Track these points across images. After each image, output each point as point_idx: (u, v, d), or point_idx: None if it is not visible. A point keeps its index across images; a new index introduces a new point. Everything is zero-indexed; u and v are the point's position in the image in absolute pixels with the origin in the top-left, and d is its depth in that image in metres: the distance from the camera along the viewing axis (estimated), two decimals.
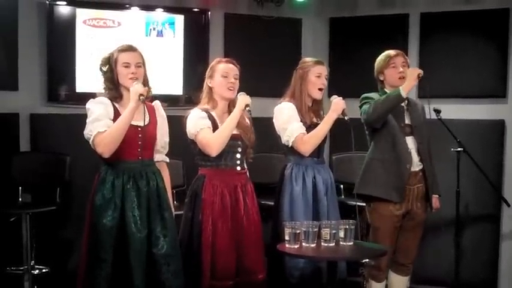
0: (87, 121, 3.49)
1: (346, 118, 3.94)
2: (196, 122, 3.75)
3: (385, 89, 4.15)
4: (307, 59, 4.17)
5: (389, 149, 4.06)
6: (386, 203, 4.05)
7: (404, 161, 4.05)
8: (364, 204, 4.26)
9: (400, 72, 4.11)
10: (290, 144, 4.01)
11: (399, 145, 4.07)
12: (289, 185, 4.04)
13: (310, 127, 4.02)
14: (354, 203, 4.39)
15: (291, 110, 4.02)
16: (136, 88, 3.44)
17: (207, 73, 3.89)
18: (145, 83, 3.62)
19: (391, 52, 4.17)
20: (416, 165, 4.09)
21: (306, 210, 3.98)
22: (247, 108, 3.72)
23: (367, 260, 4.11)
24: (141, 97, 3.42)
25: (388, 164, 4.05)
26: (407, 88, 3.96)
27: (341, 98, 4.00)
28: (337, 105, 3.96)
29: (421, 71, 3.99)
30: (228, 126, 3.71)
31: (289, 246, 3.52)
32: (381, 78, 4.17)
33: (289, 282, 3.97)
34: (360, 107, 4.11)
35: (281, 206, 4.05)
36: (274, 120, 4.09)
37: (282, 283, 4.00)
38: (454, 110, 4.37)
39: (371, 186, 4.09)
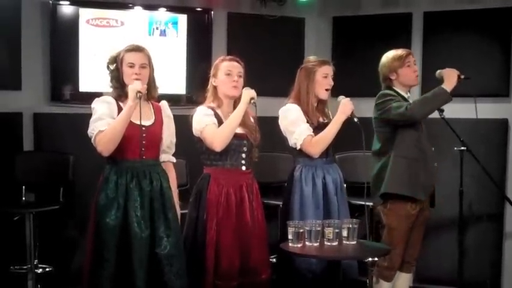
0: (90, 120, 3.52)
1: (355, 119, 3.92)
2: (201, 118, 3.75)
3: (395, 88, 4.14)
4: (312, 58, 4.14)
5: (414, 148, 4.04)
6: (404, 203, 4.04)
7: (430, 159, 4.07)
8: (370, 203, 4.24)
9: (415, 71, 4.14)
10: (298, 147, 4.00)
11: (423, 143, 4.08)
12: (299, 186, 4.02)
13: (317, 128, 4.01)
14: (358, 202, 4.39)
15: (297, 112, 4.00)
16: (134, 85, 3.45)
17: (211, 72, 3.90)
18: (151, 83, 3.63)
19: (403, 51, 4.16)
20: None
21: (316, 211, 3.97)
22: (252, 101, 3.71)
23: (377, 259, 4.10)
24: (138, 94, 3.42)
25: (415, 163, 4.03)
26: (451, 89, 3.96)
27: (349, 99, 3.99)
28: (345, 106, 3.95)
29: (458, 72, 4.01)
30: (234, 120, 3.70)
31: (293, 245, 3.52)
32: (392, 78, 4.14)
33: (300, 283, 3.95)
34: (380, 103, 4.06)
35: (291, 207, 4.03)
36: (279, 122, 4.07)
37: (291, 284, 3.99)
38: (457, 109, 4.35)
39: (399, 185, 4.03)
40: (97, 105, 3.56)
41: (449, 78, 4.00)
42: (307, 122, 4.00)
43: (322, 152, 4.01)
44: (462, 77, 4.02)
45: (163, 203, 3.59)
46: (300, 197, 4.00)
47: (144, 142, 3.57)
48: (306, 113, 4.02)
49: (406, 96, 4.16)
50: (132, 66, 3.57)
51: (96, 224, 3.52)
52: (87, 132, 3.52)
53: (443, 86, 3.98)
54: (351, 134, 3.88)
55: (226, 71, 3.82)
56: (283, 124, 4.06)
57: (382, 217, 4.17)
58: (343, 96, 4.02)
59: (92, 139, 3.49)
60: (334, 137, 4.02)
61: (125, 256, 3.46)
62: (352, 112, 3.95)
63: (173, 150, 3.79)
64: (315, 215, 3.92)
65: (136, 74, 3.55)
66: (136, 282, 3.44)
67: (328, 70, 4.06)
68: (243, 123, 3.81)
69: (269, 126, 4.11)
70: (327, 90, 4.07)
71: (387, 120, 4.04)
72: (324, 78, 4.04)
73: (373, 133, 4.20)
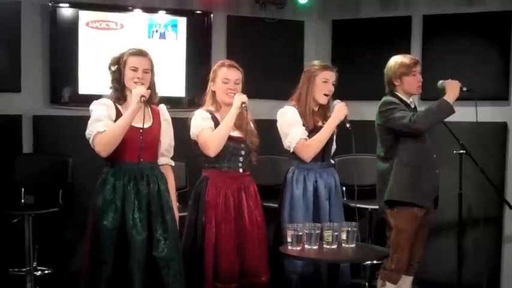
0: (88, 122, 3.52)
1: (348, 125, 3.92)
2: (198, 122, 3.77)
3: (397, 93, 4.14)
4: (316, 63, 4.13)
5: (418, 155, 4.06)
6: (411, 207, 4.05)
7: (433, 166, 4.10)
8: (367, 206, 4.24)
9: (419, 81, 4.16)
10: (291, 150, 4.00)
11: (426, 150, 4.10)
12: (290, 189, 4.03)
13: (313, 131, 4.00)
14: (356, 205, 4.39)
15: (293, 114, 4.00)
16: (139, 90, 3.46)
17: (210, 75, 3.90)
18: (152, 89, 3.64)
19: (411, 60, 4.16)
20: None
21: (305, 214, 3.97)
22: (243, 105, 3.72)
23: (375, 262, 4.10)
24: (142, 98, 3.43)
25: (417, 170, 4.04)
26: (453, 101, 3.99)
27: (344, 103, 3.99)
28: (339, 110, 3.95)
29: (461, 84, 4.02)
30: (226, 126, 3.71)
31: (291, 248, 3.52)
32: (396, 83, 4.14)
33: (287, 284, 3.96)
34: (383, 111, 4.06)
35: (282, 209, 4.04)
36: (277, 124, 4.08)
37: (283, 285, 3.99)
38: (457, 112, 4.36)
39: (403, 192, 4.04)
40: (95, 107, 3.56)
41: (452, 90, 4.01)
42: (303, 125, 4.00)
43: (315, 156, 4.00)
44: (464, 89, 4.04)
45: (160, 206, 3.59)
46: (290, 199, 4.01)
47: (141, 145, 3.56)
48: (303, 115, 4.01)
49: (408, 101, 4.17)
50: (135, 70, 3.57)
51: (94, 226, 3.52)
52: (85, 133, 3.52)
53: (446, 98, 3.99)
54: (349, 136, 3.88)
55: (224, 79, 3.82)
56: (279, 126, 4.06)
57: (389, 219, 4.17)
58: (338, 101, 4.02)
59: (90, 140, 3.50)
60: (335, 142, 4.02)
61: (123, 258, 3.47)
62: (345, 117, 3.95)
63: (171, 154, 3.79)
64: (305, 217, 3.92)
65: (138, 78, 3.55)
66: (134, 285, 3.44)
67: (329, 75, 4.04)
68: (240, 127, 3.81)
69: (268, 129, 4.12)
70: (326, 95, 4.04)
71: (390, 129, 4.05)
72: (323, 83, 4.03)
73: (373, 136, 4.21)
